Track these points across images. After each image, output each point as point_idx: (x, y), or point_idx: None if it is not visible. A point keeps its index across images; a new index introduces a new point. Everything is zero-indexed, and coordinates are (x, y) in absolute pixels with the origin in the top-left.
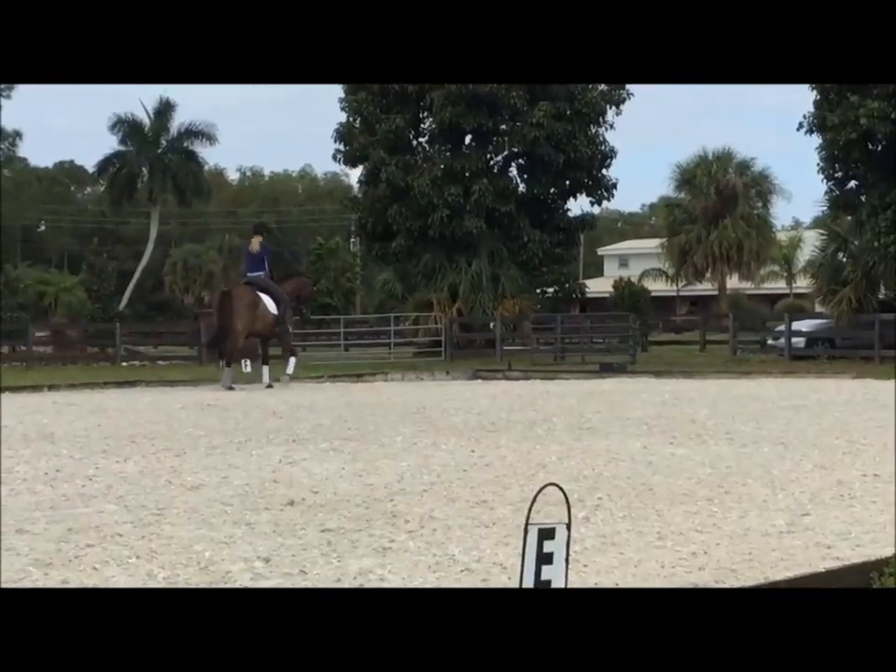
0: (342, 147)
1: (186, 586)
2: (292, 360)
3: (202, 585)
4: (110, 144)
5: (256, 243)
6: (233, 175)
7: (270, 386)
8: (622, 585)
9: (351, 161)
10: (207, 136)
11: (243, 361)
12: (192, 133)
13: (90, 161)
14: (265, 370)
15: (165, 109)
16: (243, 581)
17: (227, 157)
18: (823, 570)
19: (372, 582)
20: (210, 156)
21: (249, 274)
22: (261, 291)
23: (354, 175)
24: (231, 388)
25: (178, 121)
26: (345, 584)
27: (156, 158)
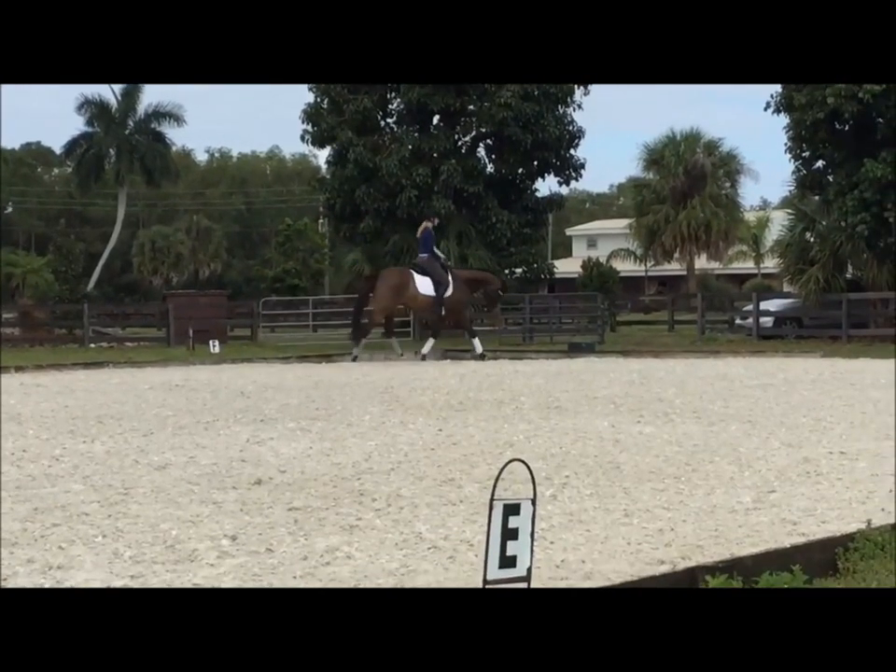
0: (309, 128)
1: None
2: (430, 341)
3: (170, 564)
4: (77, 125)
5: (426, 226)
6: (201, 157)
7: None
8: (587, 562)
9: (319, 141)
10: (175, 118)
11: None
12: (160, 114)
13: (57, 143)
14: (476, 341)
15: (132, 90)
16: (209, 559)
17: (195, 138)
18: (789, 546)
19: (339, 560)
20: (178, 137)
21: (420, 255)
22: (422, 273)
23: (322, 155)
24: (355, 359)
25: (146, 102)
26: (312, 562)
27: (123, 139)
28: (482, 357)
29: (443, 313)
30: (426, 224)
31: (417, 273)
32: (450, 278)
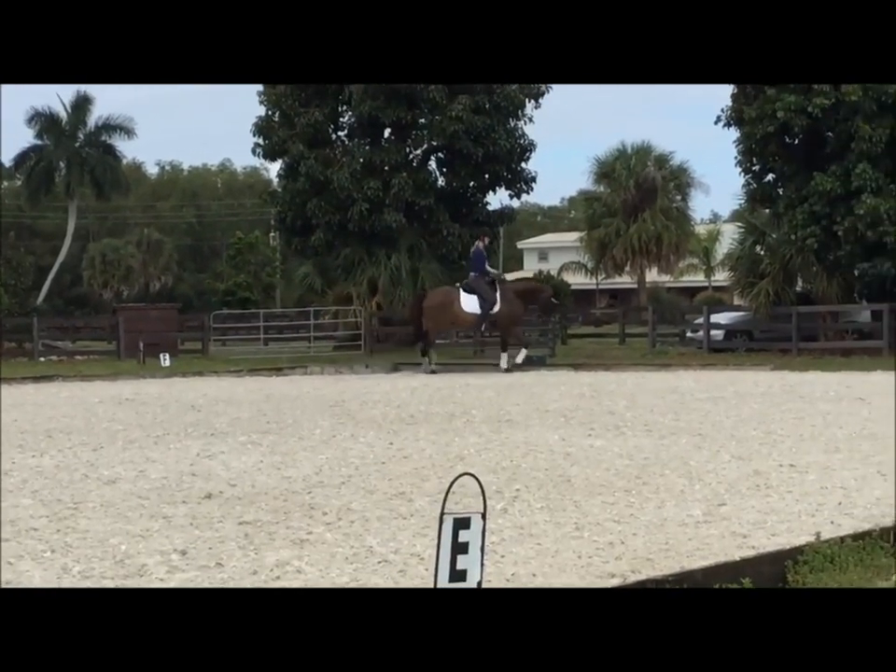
0: (261, 141)
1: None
2: (503, 355)
3: (119, 579)
4: (27, 137)
5: (477, 245)
6: (152, 170)
7: (508, 371)
8: (538, 575)
9: (270, 154)
10: (125, 130)
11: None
12: (110, 126)
13: (6, 156)
14: (503, 356)
15: (82, 103)
16: (158, 573)
17: (145, 151)
18: (739, 559)
19: (289, 574)
20: (128, 150)
21: (470, 274)
22: (469, 292)
23: (273, 168)
24: (432, 372)
25: (96, 115)
26: (262, 576)
27: (73, 151)
28: (507, 370)
29: (484, 328)
30: (477, 243)
31: (465, 291)
32: (498, 295)
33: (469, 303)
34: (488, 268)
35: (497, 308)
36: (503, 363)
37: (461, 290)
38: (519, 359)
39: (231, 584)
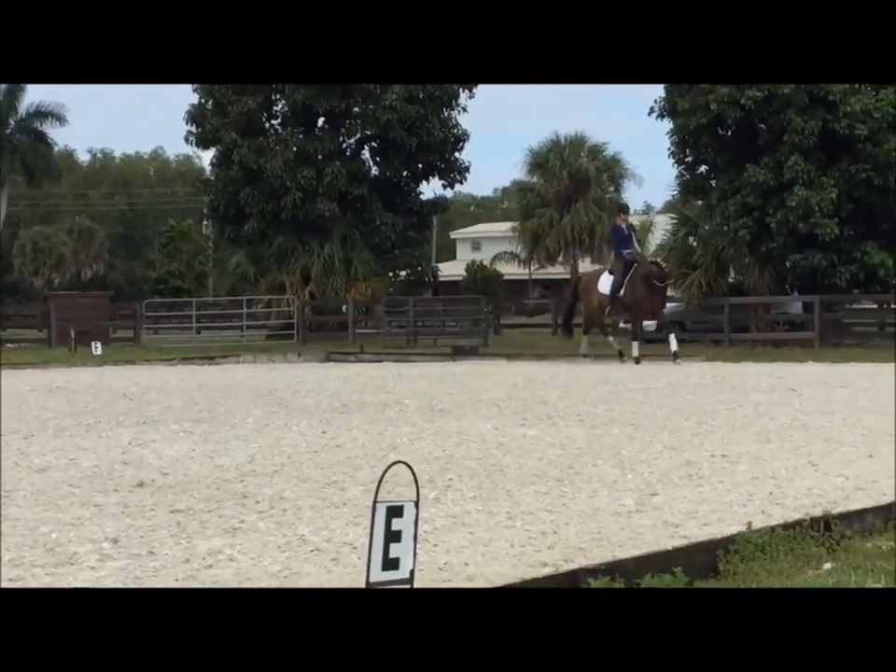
0: (194, 129)
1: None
2: (634, 343)
3: (50, 568)
4: None
5: (616, 223)
6: (84, 157)
7: (637, 361)
8: (471, 564)
9: (203, 143)
10: (57, 117)
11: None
12: (42, 113)
13: None
14: (635, 345)
15: (13, 89)
16: (90, 561)
17: (77, 138)
18: (670, 548)
19: (222, 562)
20: (60, 137)
21: (625, 252)
22: (610, 273)
23: (206, 157)
24: (585, 357)
25: (27, 102)
26: (194, 564)
27: (4, 138)
28: (636, 360)
29: (609, 311)
30: (617, 220)
31: (609, 272)
32: (627, 278)
33: (605, 284)
34: (635, 246)
35: (622, 291)
36: (634, 351)
37: (606, 272)
38: (634, 353)
39: (162, 573)
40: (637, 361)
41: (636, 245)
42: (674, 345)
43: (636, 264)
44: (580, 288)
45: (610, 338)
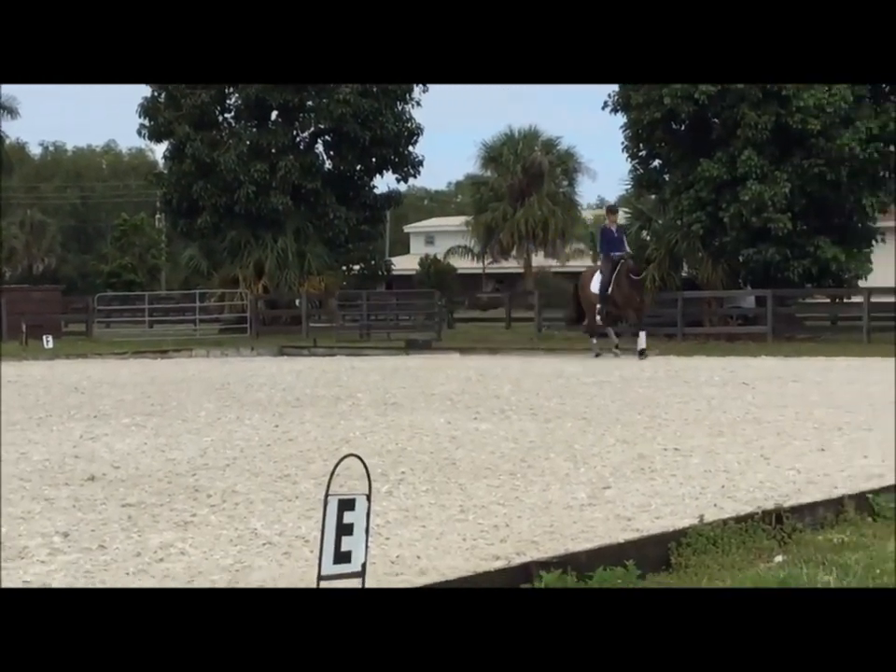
0: (146, 123)
1: (14, 585)
2: (641, 334)
3: (9, 562)
4: None
5: (604, 224)
6: (35, 150)
7: (642, 354)
8: (423, 557)
9: (156, 136)
10: (8, 110)
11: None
12: None
13: None
14: (641, 335)
15: None
16: (40, 556)
17: (29, 131)
18: (623, 542)
19: (173, 556)
20: (11, 130)
21: (613, 254)
22: (600, 272)
23: (159, 150)
24: (597, 356)
25: None
26: (145, 558)
27: None
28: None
29: (600, 310)
30: (613, 217)
31: (600, 272)
32: (614, 276)
33: (596, 284)
34: (625, 248)
35: (610, 290)
36: (640, 343)
37: (598, 270)
38: (641, 345)
39: (113, 567)
40: (643, 354)
41: (626, 247)
42: (642, 343)
43: (622, 262)
44: (580, 287)
45: (594, 340)
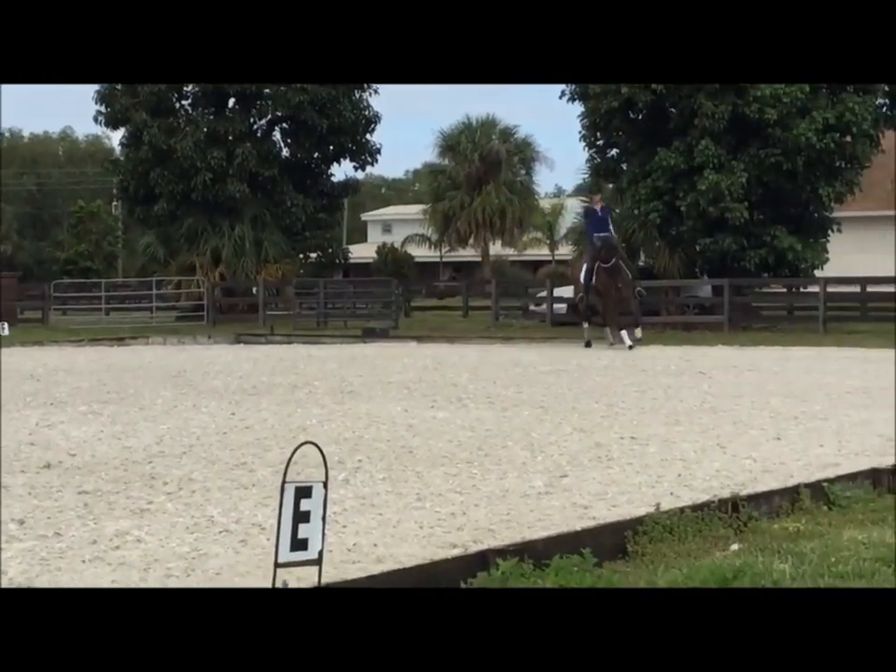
0: (103, 109)
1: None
2: (623, 333)
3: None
4: None
5: (596, 201)
6: None
7: (631, 347)
8: (379, 545)
9: (112, 123)
10: None
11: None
12: None
13: None
14: (622, 333)
15: None
16: None
17: None
18: (579, 529)
19: (129, 544)
20: None
21: (596, 236)
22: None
23: (116, 137)
24: (587, 345)
25: None
26: (101, 546)
27: None
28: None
29: (580, 300)
30: (597, 197)
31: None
32: (595, 264)
33: (581, 272)
34: (610, 230)
35: (593, 279)
36: (626, 340)
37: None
38: (626, 339)
39: (69, 554)
40: (630, 347)
41: (611, 228)
42: (627, 339)
43: (604, 248)
44: (570, 274)
45: (585, 324)
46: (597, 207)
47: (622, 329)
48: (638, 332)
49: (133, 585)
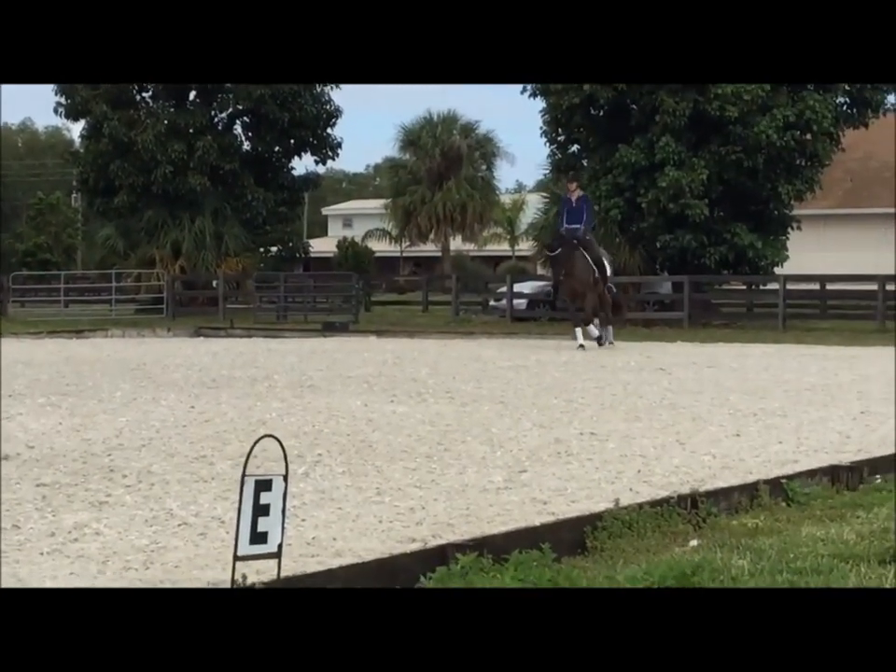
0: (63, 101)
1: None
2: (591, 328)
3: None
4: None
5: (571, 191)
6: None
7: (581, 347)
8: (339, 539)
9: (73, 114)
10: None
11: None
12: None
13: None
14: (577, 330)
15: None
16: None
17: None
18: (539, 525)
19: (88, 536)
20: None
21: (566, 228)
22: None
23: (76, 129)
24: (580, 347)
25: None
26: (60, 538)
27: None
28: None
29: (552, 296)
30: (574, 185)
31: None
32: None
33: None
34: (584, 221)
35: (561, 275)
36: (578, 337)
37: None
38: (580, 339)
39: (27, 546)
40: (582, 347)
41: (585, 219)
42: (594, 332)
43: (555, 238)
44: None
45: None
46: (572, 197)
47: (576, 326)
48: (608, 332)
49: (91, 578)
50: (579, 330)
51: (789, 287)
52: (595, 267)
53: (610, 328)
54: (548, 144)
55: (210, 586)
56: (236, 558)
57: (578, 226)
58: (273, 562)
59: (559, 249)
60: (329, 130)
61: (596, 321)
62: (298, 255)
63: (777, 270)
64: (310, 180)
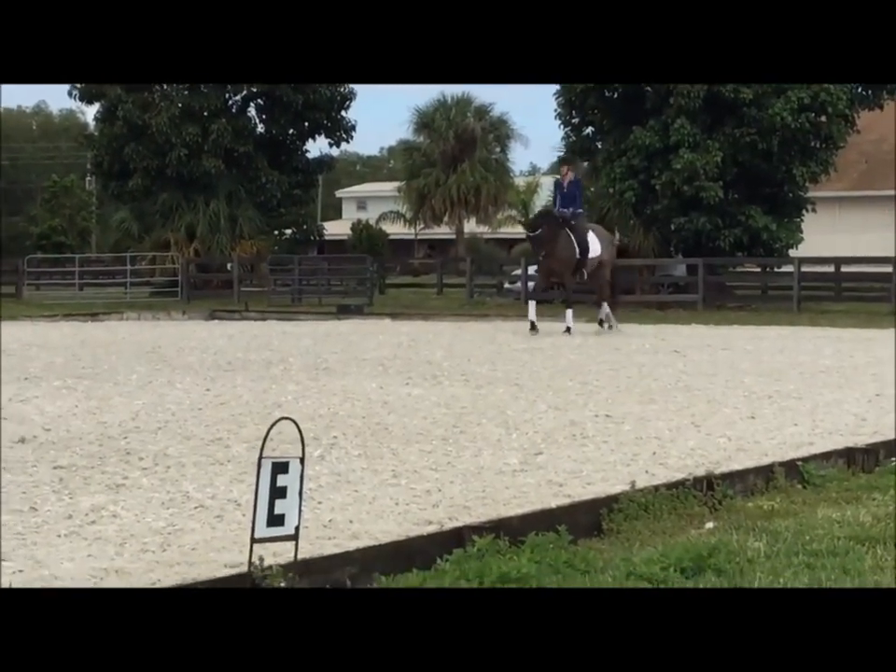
0: (77, 84)
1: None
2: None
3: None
4: None
5: (564, 174)
6: None
7: (567, 330)
8: (355, 522)
9: (87, 97)
10: None
11: None
12: None
13: None
14: (568, 312)
15: None
16: None
17: None
18: (555, 507)
19: (105, 519)
20: None
21: (557, 211)
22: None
23: (90, 112)
24: (566, 331)
25: None
26: (77, 520)
27: None
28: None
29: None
30: (566, 168)
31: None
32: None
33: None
34: (577, 205)
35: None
36: (568, 320)
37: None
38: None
39: (45, 528)
40: (568, 330)
41: (578, 203)
42: (604, 315)
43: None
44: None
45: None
46: (565, 181)
47: (569, 308)
48: (604, 312)
49: (108, 560)
50: (570, 312)
51: (803, 269)
52: (577, 247)
53: (608, 309)
54: (562, 126)
55: (227, 571)
56: (253, 540)
57: (570, 210)
58: (290, 544)
59: (540, 229)
60: (343, 112)
61: (605, 306)
62: (312, 237)
63: (792, 252)
64: (324, 163)
